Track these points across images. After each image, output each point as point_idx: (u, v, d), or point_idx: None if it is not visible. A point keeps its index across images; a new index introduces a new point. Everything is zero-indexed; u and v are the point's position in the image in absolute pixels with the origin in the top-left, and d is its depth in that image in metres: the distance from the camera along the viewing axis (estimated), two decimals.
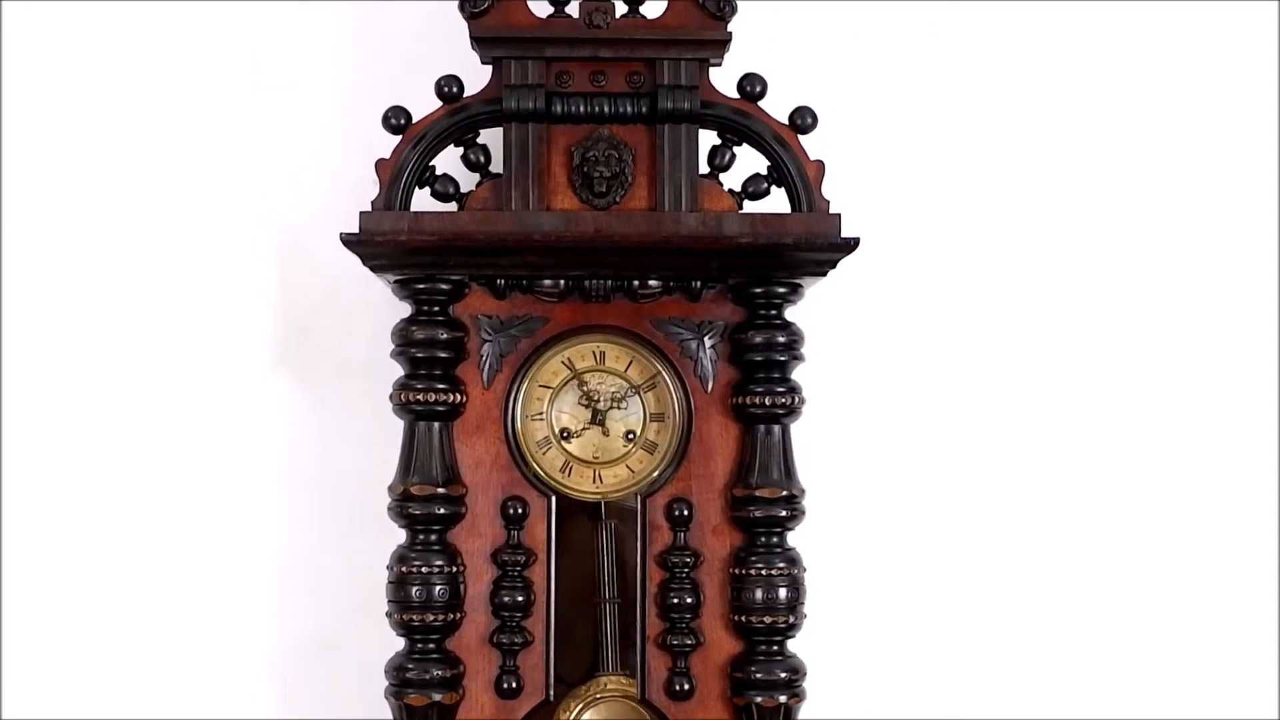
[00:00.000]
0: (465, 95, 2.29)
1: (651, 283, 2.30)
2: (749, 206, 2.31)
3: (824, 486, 2.41)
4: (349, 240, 2.22)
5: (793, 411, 2.31)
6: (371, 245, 2.23)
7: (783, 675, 2.29)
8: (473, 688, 2.30)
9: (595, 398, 2.34)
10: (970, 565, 2.66)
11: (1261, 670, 2.67)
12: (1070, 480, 2.67)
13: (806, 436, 2.35)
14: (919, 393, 2.66)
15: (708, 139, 2.30)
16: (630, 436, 2.34)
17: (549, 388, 2.34)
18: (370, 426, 2.49)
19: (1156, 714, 2.65)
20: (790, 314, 2.32)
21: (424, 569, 2.26)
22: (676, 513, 2.32)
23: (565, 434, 2.34)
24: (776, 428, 2.31)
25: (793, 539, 2.32)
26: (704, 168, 2.30)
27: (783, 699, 2.29)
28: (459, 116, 2.29)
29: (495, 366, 2.33)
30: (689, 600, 2.31)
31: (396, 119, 2.28)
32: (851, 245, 2.24)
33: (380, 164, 2.28)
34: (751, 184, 2.31)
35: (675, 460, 2.33)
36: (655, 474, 2.33)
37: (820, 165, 2.29)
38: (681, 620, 2.31)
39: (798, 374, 2.32)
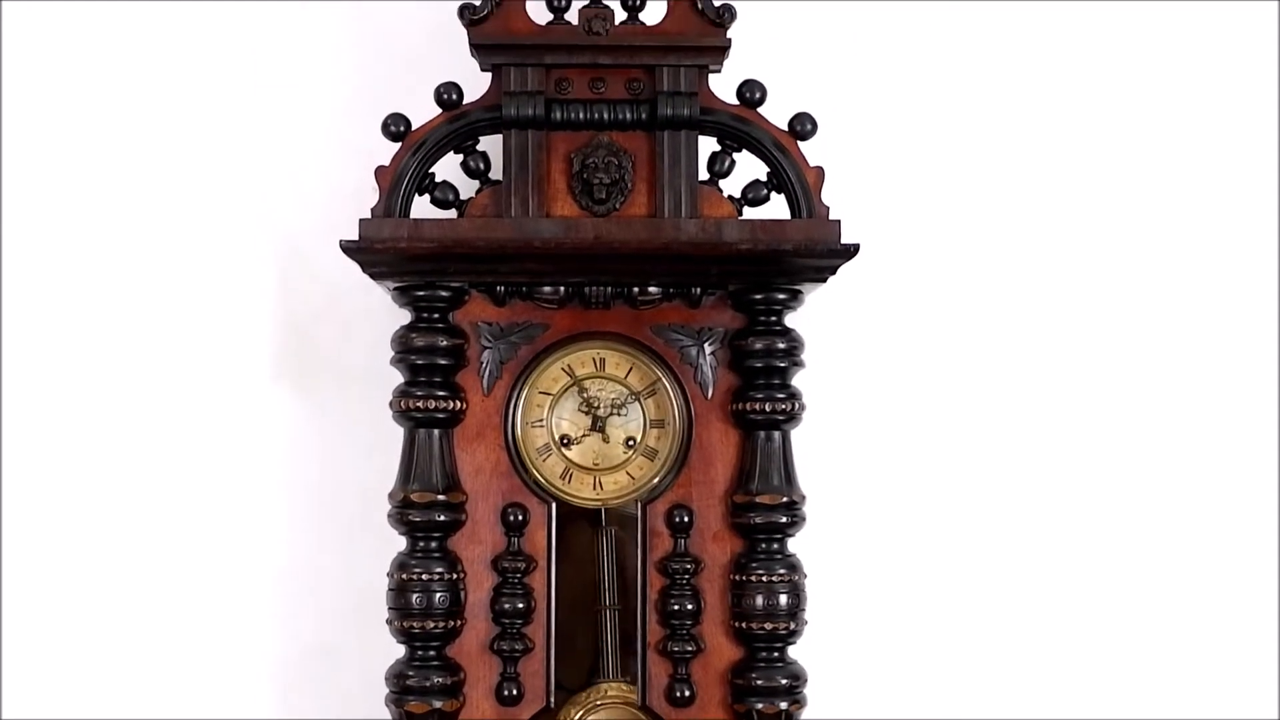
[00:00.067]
0: (465, 102, 2.29)
1: (651, 289, 2.30)
2: (749, 213, 2.31)
3: (824, 493, 2.41)
4: (349, 247, 2.22)
5: (793, 418, 2.31)
6: (371, 252, 2.23)
7: (783, 682, 2.29)
8: (473, 695, 2.30)
9: (595, 404, 2.34)
10: (971, 571, 2.66)
11: (1261, 670, 2.66)
12: (1071, 484, 2.67)
13: (807, 443, 2.35)
14: (919, 399, 2.66)
15: (707, 145, 2.30)
16: (630, 443, 2.34)
17: (549, 394, 2.34)
18: (370, 434, 2.49)
19: (1156, 714, 2.64)
20: (790, 320, 2.32)
21: (424, 576, 2.26)
22: (677, 519, 2.32)
23: (565, 441, 2.34)
24: (777, 434, 2.31)
25: (793, 545, 2.32)
26: (704, 174, 2.30)
27: (784, 705, 2.29)
28: (459, 123, 2.29)
29: (495, 373, 2.33)
30: (689, 607, 2.30)
31: (396, 126, 2.28)
32: (851, 251, 2.24)
33: (380, 171, 2.28)
34: (751, 190, 2.31)
35: (675, 467, 2.33)
36: (656, 480, 2.33)
37: (820, 171, 2.29)
38: (682, 627, 2.31)
39: (798, 380, 2.32)
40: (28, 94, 2.63)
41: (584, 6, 2.29)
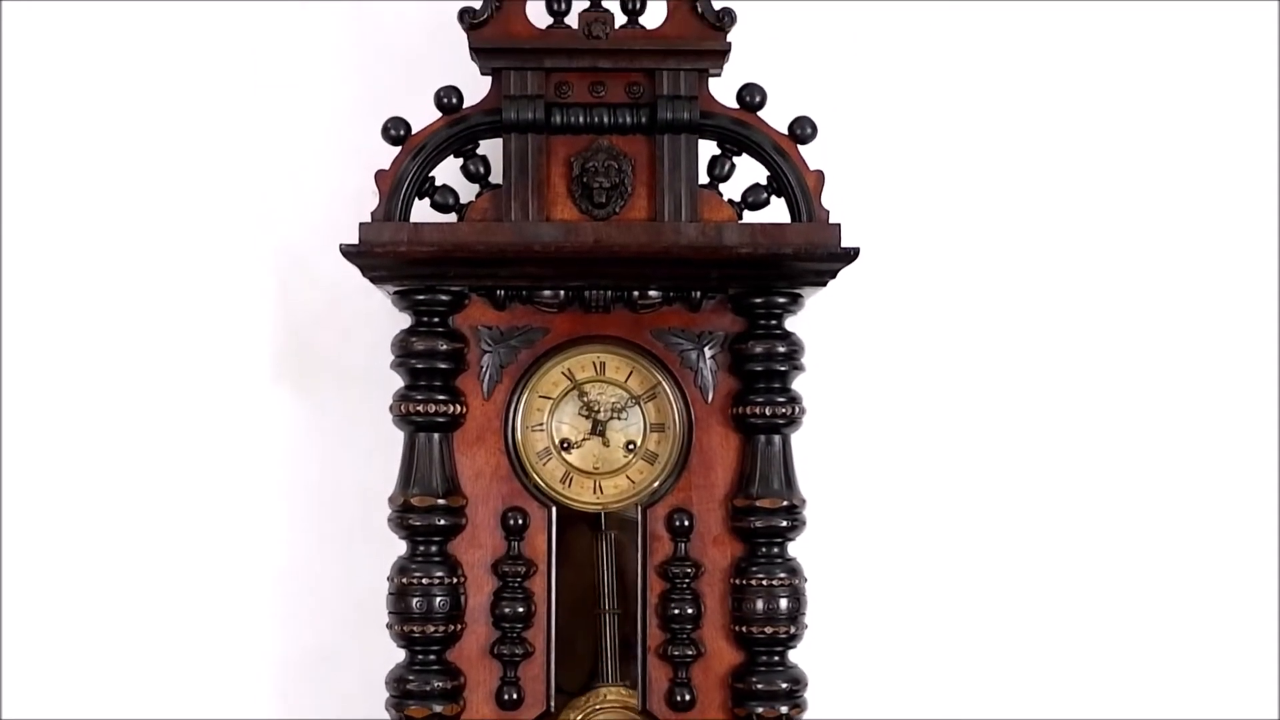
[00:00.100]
0: (465, 106, 2.29)
1: (651, 293, 2.30)
2: (749, 217, 2.31)
3: (825, 496, 2.40)
4: (348, 251, 2.22)
5: (793, 422, 2.30)
6: (371, 256, 2.23)
7: (784, 686, 2.29)
8: (473, 699, 2.30)
9: (595, 408, 2.34)
10: (972, 574, 2.65)
11: (1261, 670, 2.66)
12: (1071, 488, 2.67)
13: (807, 447, 2.35)
14: (919, 402, 2.66)
15: (707, 149, 2.30)
16: (630, 447, 2.34)
17: (549, 398, 2.34)
18: (370, 437, 2.48)
19: (1156, 714, 2.64)
20: (790, 324, 2.32)
21: (424, 580, 2.26)
22: (677, 523, 2.31)
23: (565, 445, 2.34)
24: (777, 438, 2.31)
25: (793, 549, 2.32)
26: (703, 178, 2.30)
27: (784, 709, 2.28)
28: (458, 127, 2.29)
29: (495, 377, 2.33)
30: (690, 611, 2.30)
31: (396, 130, 2.28)
32: (851, 255, 2.24)
33: (380, 175, 2.28)
34: (751, 194, 2.31)
35: (676, 471, 2.33)
36: (656, 484, 2.33)
37: (820, 175, 2.29)
38: (682, 631, 2.31)
39: (798, 384, 2.32)
40: (26, 97, 2.63)
41: (584, 10, 2.29)
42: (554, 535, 2.32)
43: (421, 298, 2.28)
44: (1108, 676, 2.66)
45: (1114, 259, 2.69)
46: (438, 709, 2.26)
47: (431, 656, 2.28)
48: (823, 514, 2.38)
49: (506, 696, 2.30)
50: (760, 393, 2.29)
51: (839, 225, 2.27)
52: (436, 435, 2.29)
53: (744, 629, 2.29)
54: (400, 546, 2.30)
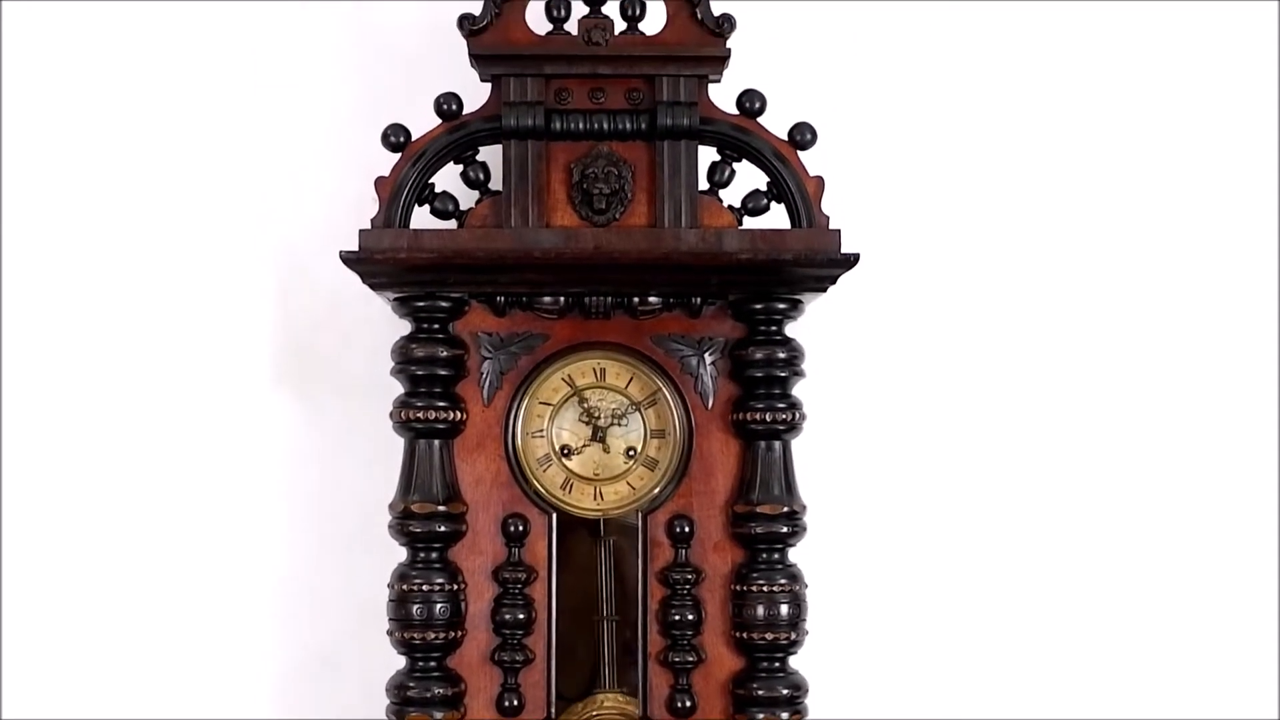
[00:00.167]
0: (464, 113, 2.29)
1: (651, 299, 2.30)
2: (749, 222, 2.31)
3: (825, 502, 2.40)
4: (348, 258, 2.22)
5: (793, 427, 2.30)
6: (371, 263, 2.23)
7: (784, 692, 2.29)
8: (474, 706, 2.30)
9: (596, 414, 2.34)
10: (972, 579, 2.65)
11: (1261, 670, 2.66)
12: (1071, 491, 2.67)
13: (807, 452, 2.35)
14: (920, 408, 2.66)
15: (707, 155, 2.30)
16: (631, 453, 2.34)
17: (549, 405, 2.33)
18: (370, 444, 2.49)
19: (1156, 714, 2.64)
20: (790, 330, 2.31)
21: (425, 587, 2.26)
22: (677, 529, 2.31)
23: (566, 451, 2.34)
24: (777, 444, 2.31)
25: (794, 555, 2.32)
26: (703, 184, 2.30)
27: (785, 716, 2.28)
28: (458, 134, 2.29)
29: (495, 384, 2.33)
30: (690, 617, 2.30)
31: (396, 137, 2.28)
32: (851, 261, 2.24)
33: (379, 182, 2.28)
34: (751, 200, 2.31)
35: (676, 477, 2.33)
36: (656, 491, 2.33)
37: (820, 181, 2.29)
38: (683, 637, 2.31)
39: (798, 390, 2.32)
40: (25, 100, 2.63)
41: (583, 16, 2.29)
42: (554, 541, 2.32)
43: (421, 304, 2.28)
44: (1108, 682, 2.66)
45: (1114, 263, 2.69)
46: (438, 716, 2.26)
47: (432, 663, 2.27)
48: (823, 520, 2.38)
49: (507, 703, 2.30)
50: (760, 398, 2.29)
51: (839, 231, 2.27)
52: (437, 442, 2.29)
53: (745, 635, 2.28)
54: (401, 553, 2.29)
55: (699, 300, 2.30)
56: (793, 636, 2.29)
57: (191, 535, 2.62)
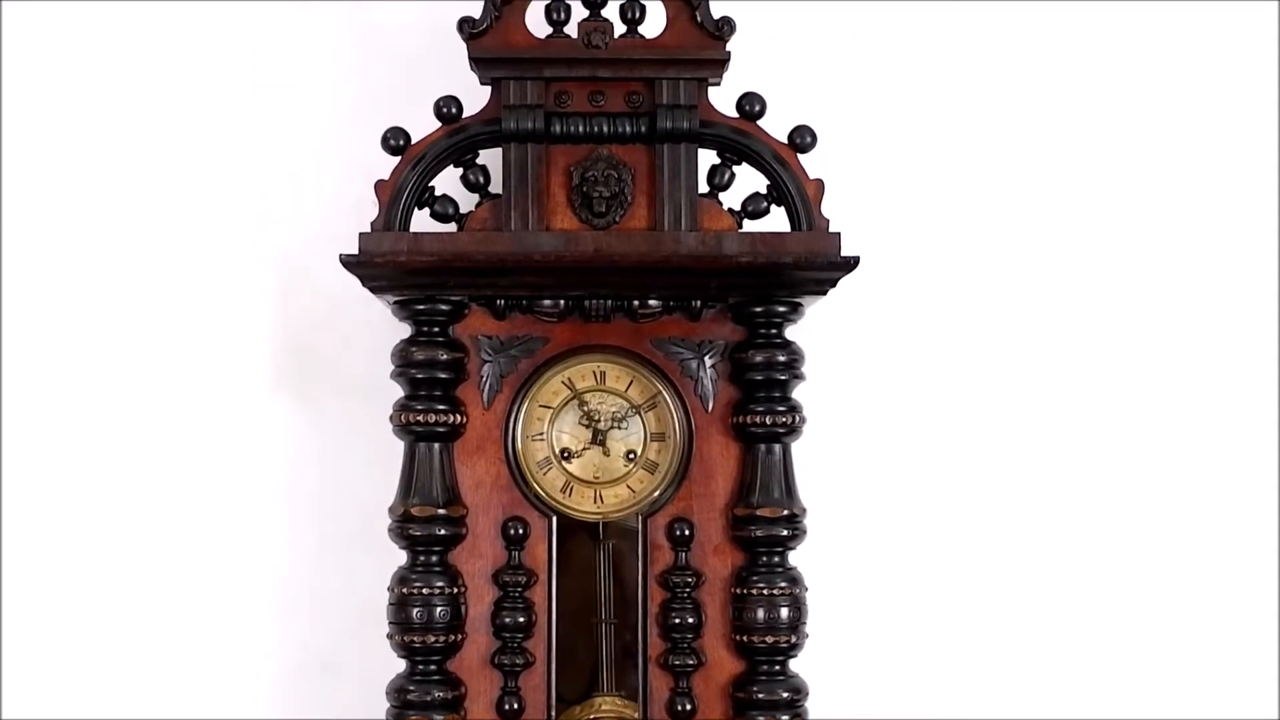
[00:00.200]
0: (464, 116, 2.29)
1: (651, 302, 2.30)
2: (749, 225, 2.31)
3: (825, 505, 2.40)
4: (348, 261, 2.22)
5: (793, 430, 2.30)
6: (371, 266, 2.23)
7: (785, 695, 2.29)
8: (474, 709, 2.30)
9: (596, 418, 2.34)
10: (973, 582, 2.65)
11: (1261, 670, 2.66)
12: (1071, 493, 2.67)
13: (808, 455, 2.35)
14: (920, 411, 2.66)
15: (707, 158, 2.30)
16: (631, 456, 2.34)
17: (549, 408, 2.33)
18: (370, 447, 2.48)
19: (1156, 714, 2.64)
20: (790, 333, 2.31)
21: (425, 590, 2.26)
22: (677, 532, 2.31)
23: (566, 454, 2.33)
24: (777, 447, 2.31)
25: (794, 558, 2.32)
26: (703, 187, 2.30)
27: (785, 719, 2.28)
28: (458, 137, 2.29)
29: (495, 387, 2.33)
30: (690, 620, 2.30)
31: (395, 140, 2.28)
32: (851, 264, 2.24)
33: (379, 185, 2.28)
34: (751, 203, 2.31)
35: (676, 480, 2.33)
36: (656, 494, 2.33)
37: (820, 184, 2.29)
38: (683, 640, 2.31)
39: (798, 393, 2.32)
40: (24, 101, 2.63)
41: (583, 19, 2.29)
42: (554, 545, 2.32)
43: (421, 307, 2.28)
44: (1108, 683, 2.66)
45: (1114, 266, 2.69)
46: (438, 719, 2.26)
47: (432, 666, 2.27)
48: (823, 523, 2.38)
49: (507, 706, 2.30)
50: (760, 402, 2.29)
51: (839, 234, 2.26)
52: (437, 445, 2.29)
53: (745, 638, 2.28)
54: (400, 556, 2.29)
55: (699, 303, 2.30)
56: (793, 640, 2.29)
57: (192, 537, 2.62)
